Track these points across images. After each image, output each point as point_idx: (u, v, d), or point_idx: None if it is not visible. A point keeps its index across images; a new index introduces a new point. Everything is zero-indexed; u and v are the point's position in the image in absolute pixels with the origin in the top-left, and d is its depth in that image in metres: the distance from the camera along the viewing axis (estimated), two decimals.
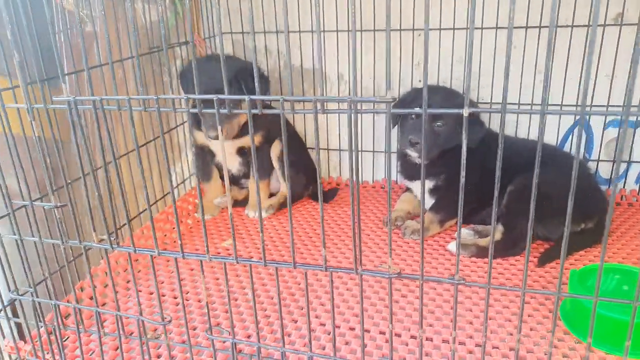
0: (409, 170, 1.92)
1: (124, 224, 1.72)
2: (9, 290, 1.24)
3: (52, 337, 1.26)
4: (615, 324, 1.19)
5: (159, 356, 1.27)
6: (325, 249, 0.89)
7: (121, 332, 1.14)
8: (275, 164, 2.02)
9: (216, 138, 1.83)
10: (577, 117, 1.98)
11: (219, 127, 0.91)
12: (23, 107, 0.99)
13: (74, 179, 1.27)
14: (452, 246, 1.70)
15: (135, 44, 0.89)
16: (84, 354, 1.26)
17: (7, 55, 1.03)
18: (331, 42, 2.10)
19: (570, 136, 2.01)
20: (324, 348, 1.27)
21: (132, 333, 1.32)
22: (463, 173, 0.80)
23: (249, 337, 1.31)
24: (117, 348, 1.30)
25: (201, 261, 0.98)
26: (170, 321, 1.10)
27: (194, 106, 0.91)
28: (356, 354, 1.24)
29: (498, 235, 1.70)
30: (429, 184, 1.86)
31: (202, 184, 2.10)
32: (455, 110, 0.76)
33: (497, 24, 1.92)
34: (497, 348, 1.26)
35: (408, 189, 2.02)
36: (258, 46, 2.19)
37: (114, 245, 1.03)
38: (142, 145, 1.77)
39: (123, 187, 1.02)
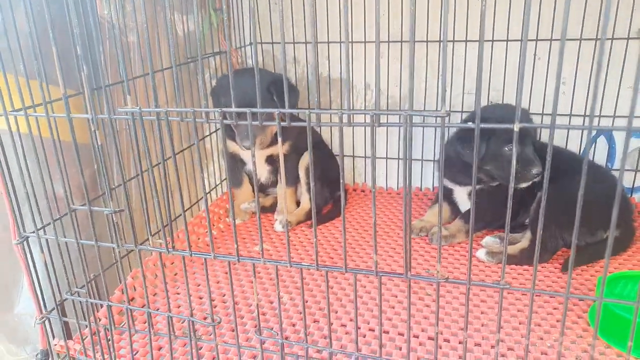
0: (456, 175, 1.91)
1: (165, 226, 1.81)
2: (58, 291, 1.30)
3: (96, 337, 1.32)
4: None
5: (201, 357, 1.32)
6: (376, 255, 0.94)
7: (171, 332, 1.20)
8: (302, 174, 2.07)
9: (249, 148, 1.89)
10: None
11: (252, 139, 0.97)
12: (88, 117, 1.04)
13: (119, 184, 1.33)
14: (481, 253, 1.74)
15: (173, 54, 0.96)
16: (130, 353, 1.32)
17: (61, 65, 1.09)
18: (359, 52, 2.16)
19: (594, 146, 2.05)
20: (359, 348, 1.32)
21: (181, 332, 1.37)
22: (511, 192, 0.84)
23: (287, 338, 1.36)
24: (160, 348, 1.36)
25: (253, 264, 1.03)
26: (219, 322, 1.16)
27: (225, 118, 0.96)
28: (397, 353, 1.29)
29: (526, 243, 1.74)
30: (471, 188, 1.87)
31: (233, 190, 2.16)
32: (505, 126, 0.81)
33: (551, 36, 1.95)
34: (529, 352, 1.30)
35: (439, 200, 2.02)
36: (287, 56, 2.26)
37: (170, 249, 1.09)
38: (178, 153, 1.84)
39: (165, 191, 1.07)
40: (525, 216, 1.83)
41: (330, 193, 2.14)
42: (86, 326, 1.32)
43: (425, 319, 1.43)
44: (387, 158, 2.29)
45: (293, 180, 2.10)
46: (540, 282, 1.61)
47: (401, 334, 1.37)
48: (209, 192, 2.12)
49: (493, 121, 1.70)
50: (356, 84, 2.21)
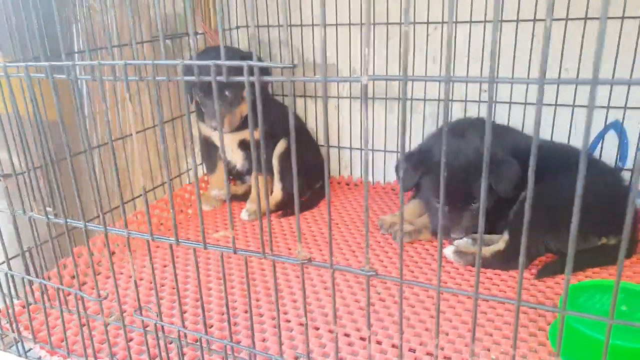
0: None
1: (116, 207, 1.76)
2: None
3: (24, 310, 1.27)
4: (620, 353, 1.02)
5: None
6: (300, 244, 0.82)
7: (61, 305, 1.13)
8: (275, 162, 1.96)
9: (216, 129, 1.81)
10: (609, 122, 1.77)
11: (219, 117, 0.87)
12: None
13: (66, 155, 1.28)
14: (448, 251, 1.55)
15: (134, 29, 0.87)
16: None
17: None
18: (343, 35, 2.03)
19: (601, 142, 1.80)
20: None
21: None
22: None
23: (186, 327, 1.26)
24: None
25: (194, 249, 0.91)
26: (106, 297, 1.07)
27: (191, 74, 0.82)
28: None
29: (501, 245, 1.53)
30: None
31: (207, 176, 2.09)
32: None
33: (517, 17, 1.77)
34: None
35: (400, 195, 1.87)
36: (272, 39, 2.17)
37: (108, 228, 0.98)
38: (149, 129, 1.81)
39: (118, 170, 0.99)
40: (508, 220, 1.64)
41: (306, 184, 2.02)
42: (11, 298, 1.27)
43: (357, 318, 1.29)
44: (373, 150, 2.14)
45: (268, 168, 1.99)
46: (509, 289, 1.41)
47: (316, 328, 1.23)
48: (180, 175, 2.06)
49: (437, 159, 1.58)
50: (342, 68, 2.08)
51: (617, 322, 0.60)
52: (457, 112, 1.98)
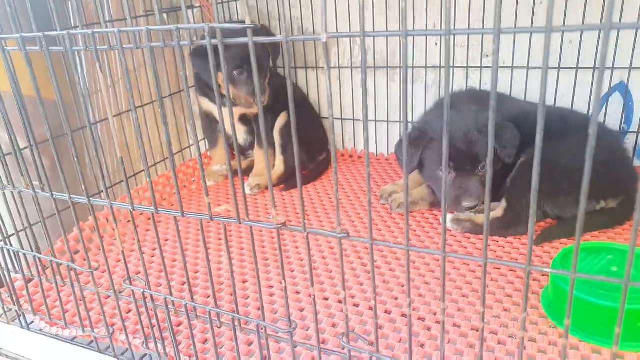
0: None
1: (120, 182, 1.79)
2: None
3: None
4: (595, 310, 1.01)
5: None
6: (274, 210, 0.83)
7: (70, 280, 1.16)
8: (276, 136, 1.96)
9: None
10: (614, 84, 1.72)
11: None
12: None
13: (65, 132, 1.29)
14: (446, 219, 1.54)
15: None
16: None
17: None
18: (342, 5, 2.00)
19: (606, 104, 1.75)
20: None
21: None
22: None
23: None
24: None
25: (201, 220, 0.89)
26: (97, 268, 1.10)
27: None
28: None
29: (499, 212, 1.52)
30: None
31: (209, 151, 2.11)
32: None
33: None
34: (458, 327, 1.12)
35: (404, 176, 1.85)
36: (272, 12, 2.14)
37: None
38: (147, 104, 1.82)
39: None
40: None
41: (308, 157, 2.02)
42: (9, 273, 1.32)
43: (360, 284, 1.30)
44: (375, 120, 2.12)
45: (270, 142, 1.99)
46: (506, 255, 1.40)
47: (326, 299, 1.25)
48: (182, 150, 2.08)
49: (436, 130, 1.55)
50: (342, 40, 2.05)
51: (633, 284, 0.59)
52: (458, 79, 1.94)
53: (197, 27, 0.78)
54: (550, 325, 1.10)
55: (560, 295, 1.09)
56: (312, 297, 0.83)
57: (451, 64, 1.90)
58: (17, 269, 1.29)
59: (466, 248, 1.45)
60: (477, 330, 1.10)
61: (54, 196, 1.05)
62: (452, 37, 0.66)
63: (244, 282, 1.35)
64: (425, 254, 1.33)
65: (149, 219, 1.73)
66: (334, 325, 1.15)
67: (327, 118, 2.14)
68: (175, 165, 0.88)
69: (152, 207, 0.93)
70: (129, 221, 1.72)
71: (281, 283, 1.30)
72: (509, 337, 1.08)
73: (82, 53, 1.66)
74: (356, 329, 1.12)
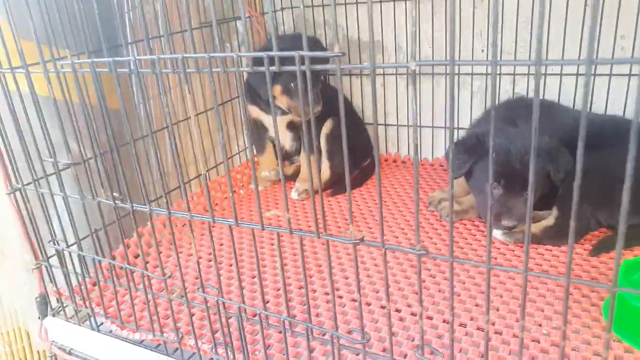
0: None
1: (172, 190, 1.85)
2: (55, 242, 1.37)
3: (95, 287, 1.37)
4: None
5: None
6: (350, 223, 0.86)
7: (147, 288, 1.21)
8: (322, 142, 1.99)
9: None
10: None
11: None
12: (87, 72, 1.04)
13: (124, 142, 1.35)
14: (497, 232, 1.54)
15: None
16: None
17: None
18: (388, 12, 2.02)
19: None
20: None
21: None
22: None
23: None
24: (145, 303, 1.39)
25: (253, 230, 0.95)
26: (170, 276, 1.15)
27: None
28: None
29: (551, 220, 1.52)
30: None
31: (257, 157, 2.15)
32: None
33: None
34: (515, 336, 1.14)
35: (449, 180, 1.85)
36: (318, 20, 2.18)
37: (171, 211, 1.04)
38: (200, 113, 1.88)
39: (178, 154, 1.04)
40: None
41: (353, 162, 2.05)
42: (84, 277, 1.38)
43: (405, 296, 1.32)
44: (420, 127, 2.13)
45: (317, 148, 2.03)
46: (560, 265, 1.41)
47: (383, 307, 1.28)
48: (231, 157, 2.13)
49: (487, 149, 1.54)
50: (387, 45, 2.07)
51: None
52: (505, 86, 1.94)
53: (257, 56, 0.81)
54: (615, 339, 1.11)
55: (623, 307, 1.10)
56: (387, 311, 0.86)
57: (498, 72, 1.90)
58: (86, 274, 1.36)
59: (519, 257, 1.46)
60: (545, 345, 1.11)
61: (117, 204, 1.11)
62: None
63: (307, 290, 1.39)
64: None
65: (203, 223, 1.78)
66: (408, 338, 1.17)
67: (371, 124, 2.17)
68: (229, 170, 0.93)
69: (209, 217, 0.97)
70: (184, 225, 1.79)
71: (353, 294, 1.33)
72: (572, 350, 1.09)
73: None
74: (433, 342, 1.15)
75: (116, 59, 0.96)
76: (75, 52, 1.21)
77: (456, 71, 1.95)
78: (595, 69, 1.76)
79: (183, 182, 1.02)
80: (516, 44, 1.86)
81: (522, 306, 0.73)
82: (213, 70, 0.88)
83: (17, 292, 1.79)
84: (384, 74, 2.14)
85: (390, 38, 2.06)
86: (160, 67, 0.92)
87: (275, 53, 0.78)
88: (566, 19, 1.74)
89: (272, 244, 1.63)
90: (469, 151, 1.55)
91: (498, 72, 1.91)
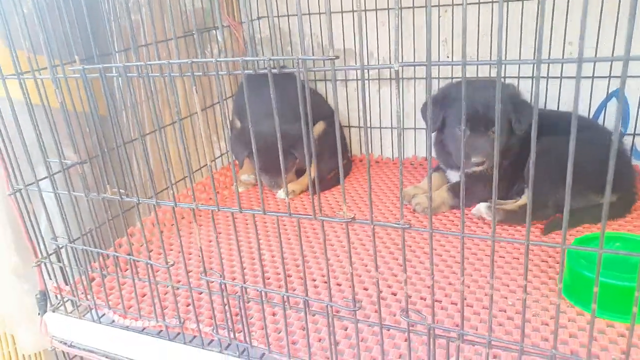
0: (445, 158, 1.92)
1: (165, 188, 1.94)
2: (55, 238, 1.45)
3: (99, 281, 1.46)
4: (617, 291, 1.19)
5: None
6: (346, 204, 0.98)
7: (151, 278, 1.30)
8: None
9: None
10: (610, 90, 1.91)
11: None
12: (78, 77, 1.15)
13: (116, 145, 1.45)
14: (482, 207, 1.70)
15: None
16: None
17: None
18: (371, 21, 2.17)
19: (604, 109, 1.94)
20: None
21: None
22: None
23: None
24: (144, 295, 1.48)
25: (254, 215, 1.08)
26: (172, 264, 1.25)
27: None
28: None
29: (526, 199, 1.70)
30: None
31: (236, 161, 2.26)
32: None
33: None
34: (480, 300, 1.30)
35: (438, 168, 2.02)
36: (292, 30, 2.31)
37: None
38: (184, 118, 1.98)
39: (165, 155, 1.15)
40: (520, 186, 1.79)
41: (334, 163, 2.19)
42: (84, 272, 1.46)
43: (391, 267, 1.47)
44: (403, 129, 2.28)
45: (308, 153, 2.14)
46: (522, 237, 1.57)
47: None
48: (214, 159, 2.23)
49: (459, 92, 1.74)
50: (372, 51, 2.21)
51: (605, 251, 0.76)
52: None
53: (260, 60, 0.94)
54: (568, 305, 1.27)
55: (576, 277, 1.27)
56: (376, 279, 0.99)
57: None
58: (84, 267, 1.44)
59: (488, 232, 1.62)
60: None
61: (123, 199, 1.22)
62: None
63: (304, 268, 1.51)
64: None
65: (200, 216, 1.96)
66: (396, 301, 1.33)
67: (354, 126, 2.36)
68: (233, 166, 1.07)
69: (214, 206, 1.10)
70: (183, 218, 1.93)
71: (344, 268, 1.47)
72: (533, 316, 1.25)
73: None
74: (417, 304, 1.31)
75: (106, 65, 1.07)
76: (69, 61, 1.30)
77: (434, 74, 2.13)
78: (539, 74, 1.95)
79: (191, 176, 1.13)
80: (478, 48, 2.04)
81: (491, 268, 0.88)
82: (195, 74, 1.01)
83: (2, 296, 1.83)
84: (368, 79, 2.28)
85: (374, 46, 2.21)
86: (148, 71, 1.04)
87: None
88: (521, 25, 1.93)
89: (267, 231, 1.77)
90: (438, 104, 1.75)
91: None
